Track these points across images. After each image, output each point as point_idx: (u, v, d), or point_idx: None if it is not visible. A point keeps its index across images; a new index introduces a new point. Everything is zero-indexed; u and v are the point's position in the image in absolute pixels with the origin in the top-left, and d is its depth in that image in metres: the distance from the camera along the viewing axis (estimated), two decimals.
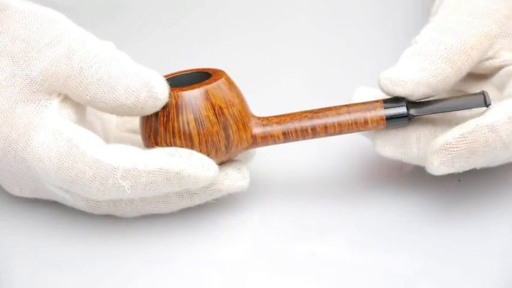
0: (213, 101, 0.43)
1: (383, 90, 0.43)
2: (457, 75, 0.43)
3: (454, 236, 0.43)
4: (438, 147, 0.41)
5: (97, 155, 0.41)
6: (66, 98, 0.43)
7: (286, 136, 0.44)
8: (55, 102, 0.42)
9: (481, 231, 0.44)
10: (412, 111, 0.43)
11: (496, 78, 0.46)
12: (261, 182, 0.48)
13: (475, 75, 0.47)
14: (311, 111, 0.44)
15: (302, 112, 0.44)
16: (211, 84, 0.43)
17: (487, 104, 0.42)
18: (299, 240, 0.44)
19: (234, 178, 0.44)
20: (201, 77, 0.45)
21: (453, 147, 0.41)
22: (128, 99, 0.41)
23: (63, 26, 0.43)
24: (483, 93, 0.42)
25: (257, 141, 0.44)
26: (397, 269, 0.42)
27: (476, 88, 0.46)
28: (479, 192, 0.46)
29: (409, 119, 0.43)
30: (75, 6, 0.64)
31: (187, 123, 0.42)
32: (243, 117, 0.44)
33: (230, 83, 0.44)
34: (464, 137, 0.41)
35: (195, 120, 0.42)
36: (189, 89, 0.43)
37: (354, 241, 0.44)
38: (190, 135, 0.42)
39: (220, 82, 0.43)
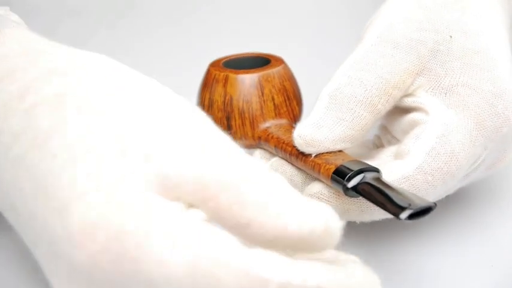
0: (227, 90, 0.44)
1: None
2: (377, 119, 0.42)
3: (454, 236, 0.43)
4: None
5: (244, 263, 0.31)
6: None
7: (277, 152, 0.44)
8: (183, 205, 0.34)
9: (481, 231, 0.44)
10: (350, 185, 0.39)
11: (405, 120, 0.43)
12: None
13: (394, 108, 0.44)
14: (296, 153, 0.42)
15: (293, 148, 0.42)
16: (240, 75, 0.44)
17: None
18: None
19: None
20: (261, 63, 0.46)
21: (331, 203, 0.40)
22: (300, 230, 0.32)
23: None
24: (433, 206, 0.37)
25: (261, 142, 0.44)
26: (396, 268, 0.42)
27: (393, 122, 0.45)
28: (479, 192, 0.47)
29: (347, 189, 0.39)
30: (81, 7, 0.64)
31: (204, 100, 0.45)
32: (255, 116, 0.44)
33: (268, 80, 0.44)
34: (340, 199, 0.40)
35: (209, 99, 0.44)
36: (221, 71, 0.45)
37: (351, 240, 0.43)
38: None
39: (254, 76, 0.44)
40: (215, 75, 0.45)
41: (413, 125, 0.42)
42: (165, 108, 0.34)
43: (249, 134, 0.44)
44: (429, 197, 0.40)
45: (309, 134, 0.40)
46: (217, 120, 0.44)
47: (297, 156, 0.41)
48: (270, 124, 0.44)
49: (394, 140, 0.45)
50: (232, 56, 0.48)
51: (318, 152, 0.41)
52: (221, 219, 0.32)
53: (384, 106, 0.42)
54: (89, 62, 0.36)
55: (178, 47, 0.65)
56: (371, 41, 0.43)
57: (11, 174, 0.34)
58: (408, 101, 0.43)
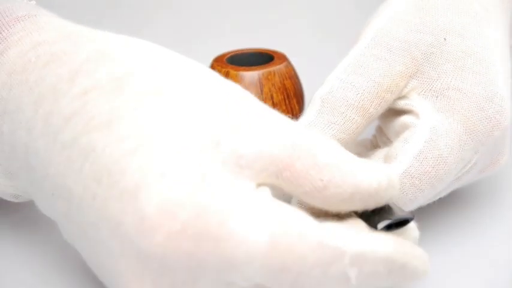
0: None
1: None
2: (368, 122, 0.42)
3: (453, 236, 0.43)
4: None
5: (321, 236, 0.32)
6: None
7: None
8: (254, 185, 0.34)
9: (481, 231, 0.44)
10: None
11: (397, 122, 0.43)
12: None
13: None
14: None
15: None
16: (240, 72, 0.44)
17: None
18: None
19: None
20: (265, 59, 0.47)
21: None
22: (370, 185, 0.34)
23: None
24: (411, 217, 0.37)
25: None
26: None
27: (387, 123, 0.45)
28: (479, 192, 0.47)
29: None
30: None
31: None
32: None
33: (268, 78, 0.44)
34: None
35: None
36: (222, 66, 0.45)
37: None
38: None
39: (255, 73, 0.44)
40: (217, 70, 0.45)
41: (404, 127, 0.42)
42: (220, 89, 0.35)
43: None
44: (418, 200, 0.40)
45: None
46: None
47: None
48: None
49: (388, 141, 0.44)
50: (237, 51, 0.48)
51: None
52: (297, 186, 0.34)
53: (376, 110, 0.42)
54: (135, 46, 0.37)
55: (185, 41, 0.64)
56: (365, 43, 0.43)
57: (64, 156, 0.34)
58: (401, 104, 0.42)
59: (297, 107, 0.45)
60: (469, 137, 0.41)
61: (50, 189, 0.35)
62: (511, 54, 0.46)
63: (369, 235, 0.33)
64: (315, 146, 0.34)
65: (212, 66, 0.45)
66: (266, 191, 0.34)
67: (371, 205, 0.35)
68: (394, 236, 0.34)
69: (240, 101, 0.35)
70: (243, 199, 0.32)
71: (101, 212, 0.33)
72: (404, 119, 0.42)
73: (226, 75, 0.44)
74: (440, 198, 0.43)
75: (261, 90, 0.44)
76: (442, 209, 0.45)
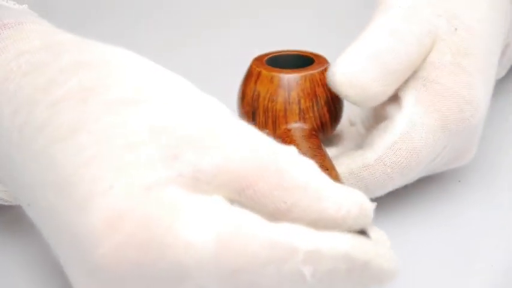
0: (257, 86, 0.44)
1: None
2: (407, 71, 0.42)
3: (453, 236, 0.43)
4: None
5: (272, 233, 0.31)
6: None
7: None
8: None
9: (481, 232, 0.44)
10: None
11: (381, 109, 0.44)
12: None
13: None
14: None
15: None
16: (270, 73, 0.44)
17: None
18: None
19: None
20: (307, 63, 0.46)
21: None
22: (337, 213, 0.33)
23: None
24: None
25: (284, 141, 0.43)
26: None
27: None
28: (479, 192, 0.47)
29: None
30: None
31: (240, 91, 0.45)
32: (278, 116, 0.43)
33: (298, 83, 0.44)
34: None
35: (243, 91, 0.45)
36: (257, 66, 0.45)
37: None
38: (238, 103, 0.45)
39: (284, 77, 0.44)
40: (252, 69, 0.45)
41: (384, 117, 0.43)
42: (192, 102, 0.35)
43: (271, 133, 0.44)
44: (387, 187, 0.42)
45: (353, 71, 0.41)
46: (245, 114, 0.44)
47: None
48: (292, 127, 0.43)
49: (367, 122, 0.46)
50: (280, 52, 0.47)
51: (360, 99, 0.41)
52: (261, 206, 0.33)
53: (418, 60, 0.42)
54: (114, 56, 0.37)
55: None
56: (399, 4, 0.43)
57: (34, 167, 0.34)
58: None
59: (327, 116, 0.44)
60: (443, 134, 0.42)
61: (26, 199, 0.36)
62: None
63: (326, 233, 0.32)
64: (284, 166, 0.33)
65: (250, 65, 0.45)
66: (221, 198, 0.32)
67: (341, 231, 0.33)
68: (355, 235, 0.33)
69: (209, 114, 0.34)
70: (189, 206, 0.31)
71: (60, 224, 0.33)
72: (386, 108, 0.43)
73: (258, 75, 0.44)
74: (444, 194, 0.45)
75: (288, 95, 0.43)
76: (443, 206, 0.45)
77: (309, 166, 0.34)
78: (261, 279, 0.31)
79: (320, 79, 0.44)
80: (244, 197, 0.33)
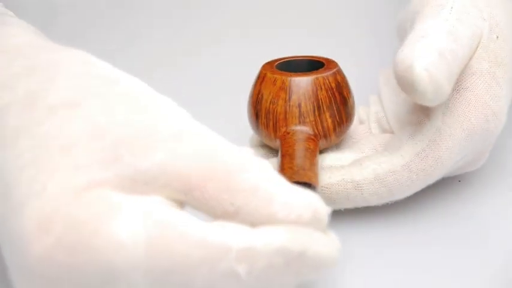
0: (261, 88, 0.44)
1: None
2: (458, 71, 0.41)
3: (453, 236, 0.43)
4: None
5: (204, 233, 0.31)
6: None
7: None
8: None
9: (481, 232, 0.44)
10: None
11: (407, 113, 0.44)
12: None
13: None
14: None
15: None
16: (274, 75, 0.44)
17: None
18: None
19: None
20: (314, 66, 0.46)
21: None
22: (287, 218, 0.32)
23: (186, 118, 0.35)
24: None
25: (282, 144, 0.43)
26: (394, 269, 0.41)
27: (397, 108, 0.46)
28: (479, 192, 0.47)
29: None
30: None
31: (251, 92, 0.45)
32: (278, 119, 0.43)
33: (300, 86, 0.43)
34: (327, 188, 0.42)
35: (251, 92, 0.45)
36: (264, 68, 0.45)
37: (351, 240, 0.43)
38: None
39: (286, 79, 0.43)
40: (260, 72, 0.45)
41: (412, 121, 0.43)
42: (138, 103, 0.34)
43: (272, 135, 0.44)
44: (409, 191, 0.42)
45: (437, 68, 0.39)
46: (251, 115, 0.45)
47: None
48: (291, 130, 0.43)
49: (386, 124, 0.46)
50: (292, 57, 0.47)
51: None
52: (209, 208, 0.32)
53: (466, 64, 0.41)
54: (65, 59, 0.36)
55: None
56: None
57: None
58: None
59: (329, 121, 0.43)
60: (468, 144, 0.42)
61: None
62: None
63: (259, 229, 0.31)
64: (235, 168, 0.32)
65: (260, 69, 0.45)
66: (156, 199, 0.32)
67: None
68: (289, 226, 0.32)
69: (155, 116, 0.33)
70: (121, 207, 0.31)
71: (2, 228, 0.33)
72: (414, 112, 0.43)
73: (263, 78, 0.44)
74: (444, 194, 0.45)
75: (289, 97, 0.43)
76: (443, 206, 0.46)
77: (263, 168, 0.33)
78: (194, 279, 0.31)
79: (324, 83, 0.43)
80: (191, 198, 0.32)
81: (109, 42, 0.62)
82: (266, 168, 0.33)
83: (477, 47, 0.42)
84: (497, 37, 0.42)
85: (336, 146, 0.45)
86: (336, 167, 0.43)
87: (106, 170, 0.32)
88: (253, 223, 0.32)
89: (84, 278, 0.31)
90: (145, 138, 0.32)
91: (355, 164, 0.42)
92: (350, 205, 0.42)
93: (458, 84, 0.41)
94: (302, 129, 0.43)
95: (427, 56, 0.38)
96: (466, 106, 0.41)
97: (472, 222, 0.45)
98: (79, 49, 0.37)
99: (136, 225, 0.30)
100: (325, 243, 0.32)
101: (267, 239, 0.31)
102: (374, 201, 0.42)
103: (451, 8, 0.41)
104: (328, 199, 0.42)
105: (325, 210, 0.33)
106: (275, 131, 0.43)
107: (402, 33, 0.46)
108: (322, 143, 0.44)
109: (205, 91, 0.58)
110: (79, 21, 0.64)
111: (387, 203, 0.43)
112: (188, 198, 0.32)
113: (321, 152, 0.45)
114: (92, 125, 0.33)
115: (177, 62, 0.62)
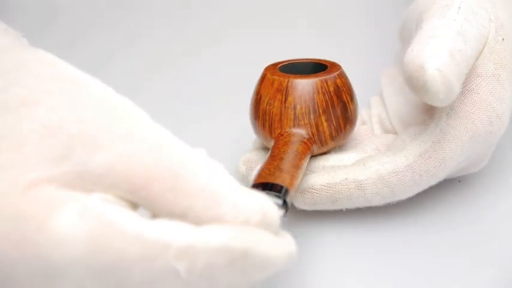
0: (260, 89, 0.44)
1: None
2: (466, 70, 0.40)
3: (454, 237, 0.43)
4: (304, 187, 0.42)
5: (141, 230, 0.31)
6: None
7: None
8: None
9: (481, 232, 0.44)
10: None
11: (411, 114, 0.45)
12: None
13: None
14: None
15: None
16: (272, 76, 0.44)
17: None
18: None
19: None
20: (318, 69, 0.45)
21: (316, 193, 0.42)
22: (234, 220, 0.32)
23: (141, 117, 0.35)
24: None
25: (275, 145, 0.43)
26: (395, 269, 0.42)
27: (401, 109, 0.46)
28: (480, 193, 0.47)
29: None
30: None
31: (252, 93, 0.45)
32: (274, 120, 0.43)
33: (297, 88, 0.43)
34: (330, 187, 0.42)
35: (252, 93, 0.45)
36: (265, 69, 0.45)
37: (351, 240, 0.44)
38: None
39: (283, 81, 0.43)
40: (262, 73, 0.45)
41: (416, 121, 0.43)
42: (98, 102, 0.34)
43: (268, 136, 0.43)
44: (412, 192, 0.42)
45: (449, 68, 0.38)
46: (252, 116, 0.44)
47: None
48: (285, 131, 0.43)
49: (389, 125, 0.46)
50: (295, 60, 0.47)
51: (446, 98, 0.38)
52: (156, 209, 0.32)
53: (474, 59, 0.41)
54: (30, 60, 0.36)
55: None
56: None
57: None
58: None
59: (324, 125, 0.43)
60: (471, 146, 0.42)
61: None
62: None
63: (204, 227, 0.31)
64: (184, 169, 0.32)
65: (263, 70, 0.45)
66: (99, 196, 0.32)
67: None
68: (235, 225, 0.32)
69: (108, 115, 0.34)
70: (65, 204, 0.31)
71: None
72: (419, 113, 0.43)
73: (263, 79, 0.44)
74: (444, 194, 0.45)
75: (285, 99, 0.43)
76: (443, 206, 0.46)
77: (214, 170, 0.33)
78: (133, 275, 0.30)
79: (321, 87, 0.43)
80: (138, 198, 0.32)
81: (109, 42, 0.63)
82: (217, 171, 0.33)
83: (483, 48, 0.42)
84: (503, 39, 0.42)
85: (339, 147, 0.45)
86: (339, 166, 0.43)
87: (55, 167, 0.32)
88: (200, 225, 0.32)
89: (29, 274, 0.31)
90: (97, 138, 0.32)
91: (358, 164, 0.42)
92: (352, 205, 0.42)
93: (463, 85, 0.41)
94: (296, 132, 0.42)
95: (439, 57, 0.38)
96: (470, 108, 0.41)
97: (473, 222, 0.45)
98: (48, 52, 0.37)
99: (79, 222, 0.31)
100: (274, 244, 0.32)
101: (208, 237, 0.31)
102: (376, 202, 0.42)
103: (459, 8, 0.41)
104: (330, 198, 0.42)
105: (276, 214, 0.33)
106: (271, 132, 0.43)
107: (407, 32, 0.45)
108: (318, 147, 0.43)
109: (206, 92, 0.58)
110: (79, 21, 0.64)
111: (388, 204, 0.43)
112: (136, 198, 0.32)
113: (323, 153, 0.44)
114: (45, 123, 0.33)
115: (177, 62, 0.62)
